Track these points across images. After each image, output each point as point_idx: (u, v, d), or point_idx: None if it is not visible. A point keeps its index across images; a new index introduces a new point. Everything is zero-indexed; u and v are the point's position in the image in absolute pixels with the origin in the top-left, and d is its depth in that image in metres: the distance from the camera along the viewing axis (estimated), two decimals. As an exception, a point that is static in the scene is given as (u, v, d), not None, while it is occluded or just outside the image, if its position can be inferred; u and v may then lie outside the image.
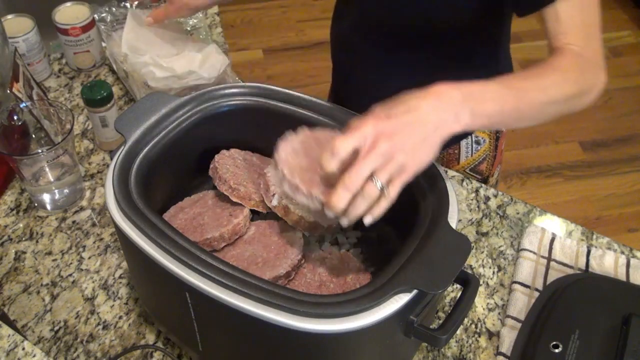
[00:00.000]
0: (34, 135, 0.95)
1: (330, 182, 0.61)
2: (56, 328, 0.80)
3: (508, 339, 0.79)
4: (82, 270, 0.87)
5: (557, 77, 0.73)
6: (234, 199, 0.74)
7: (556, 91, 0.72)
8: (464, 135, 1.08)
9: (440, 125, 0.61)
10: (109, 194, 0.66)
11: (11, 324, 0.76)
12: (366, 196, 0.59)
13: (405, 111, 0.61)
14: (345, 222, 0.61)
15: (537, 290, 0.84)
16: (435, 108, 0.62)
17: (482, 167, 1.12)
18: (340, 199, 0.59)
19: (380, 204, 0.60)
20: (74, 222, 0.93)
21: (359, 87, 1.08)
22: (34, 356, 0.70)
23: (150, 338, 0.80)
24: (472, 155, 1.10)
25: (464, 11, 0.90)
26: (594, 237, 0.92)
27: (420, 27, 0.94)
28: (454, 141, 1.09)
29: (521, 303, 0.82)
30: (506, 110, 0.67)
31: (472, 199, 0.97)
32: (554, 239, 0.90)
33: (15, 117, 0.91)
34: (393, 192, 0.60)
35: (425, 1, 0.90)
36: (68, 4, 1.14)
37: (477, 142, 1.09)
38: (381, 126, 0.59)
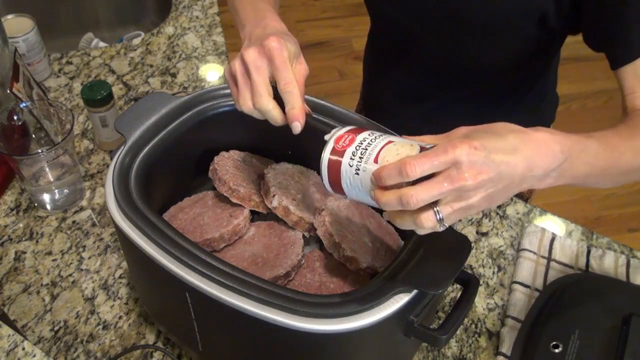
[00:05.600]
0: (34, 135, 0.95)
1: None
2: (56, 328, 0.80)
3: (508, 339, 0.79)
4: (82, 270, 0.87)
5: None
6: (234, 200, 0.74)
7: None
8: None
9: (526, 179, 0.53)
10: (109, 194, 0.66)
11: (11, 324, 0.76)
12: (419, 221, 0.52)
13: (501, 149, 0.52)
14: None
15: (537, 290, 0.84)
16: (530, 159, 0.53)
17: None
18: (389, 203, 0.52)
19: (426, 229, 0.53)
20: (74, 222, 0.93)
21: (392, 111, 1.07)
22: (34, 356, 0.70)
23: (150, 338, 0.80)
24: None
25: (519, 52, 0.88)
26: (594, 237, 0.92)
27: (468, 68, 0.92)
28: None
29: (521, 303, 0.82)
30: (594, 173, 0.60)
31: (472, 199, 0.97)
32: (554, 239, 0.90)
33: (15, 117, 0.91)
34: (447, 223, 0.53)
35: (477, 45, 0.88)
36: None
37: None
38: (473, 158, 0.50)
